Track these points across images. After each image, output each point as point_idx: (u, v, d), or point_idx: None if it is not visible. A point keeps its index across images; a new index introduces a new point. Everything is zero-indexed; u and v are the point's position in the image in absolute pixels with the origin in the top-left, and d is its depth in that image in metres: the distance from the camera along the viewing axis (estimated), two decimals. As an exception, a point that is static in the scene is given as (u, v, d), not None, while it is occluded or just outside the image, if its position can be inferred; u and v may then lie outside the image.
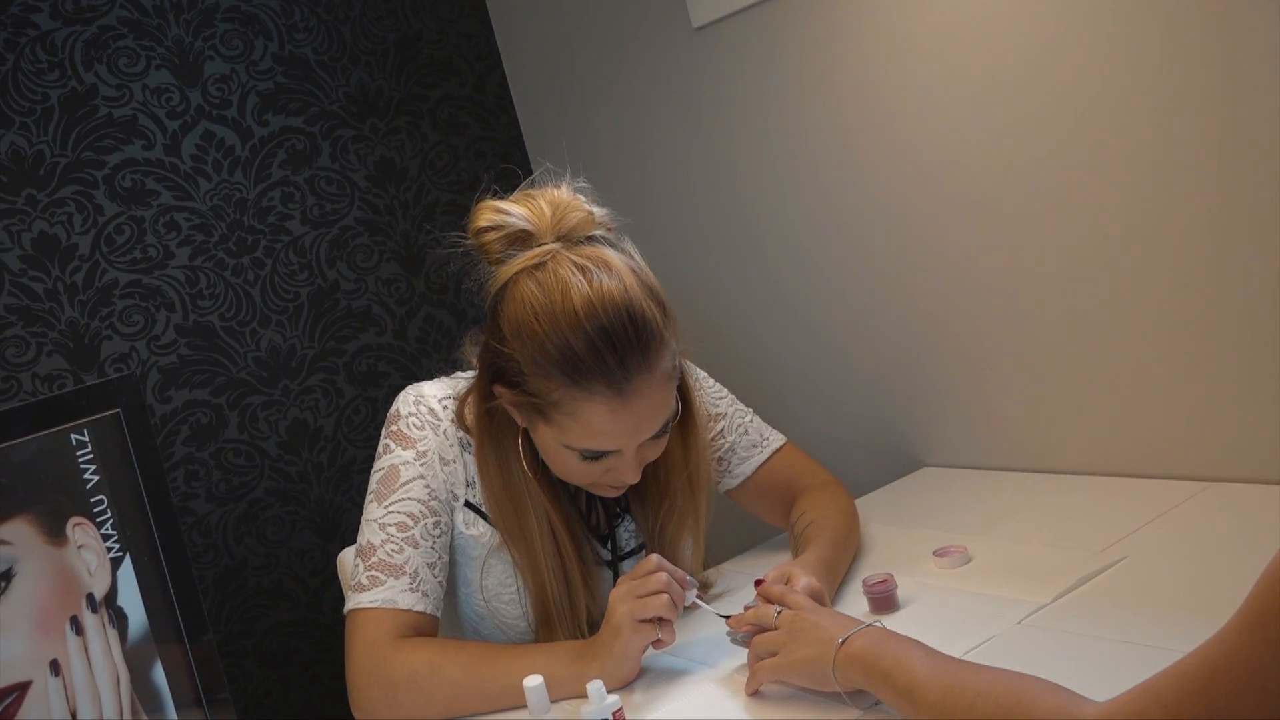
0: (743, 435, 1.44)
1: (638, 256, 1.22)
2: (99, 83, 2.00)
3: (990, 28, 1.44)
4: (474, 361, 1.31)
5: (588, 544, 1.32)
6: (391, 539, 1.24)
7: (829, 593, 1.19)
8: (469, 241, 1.23)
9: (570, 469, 1.23)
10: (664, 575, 1.12)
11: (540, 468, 1.28)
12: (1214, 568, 1.11)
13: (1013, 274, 1.51)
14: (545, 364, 1.15)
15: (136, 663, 0.97)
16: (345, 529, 2.21)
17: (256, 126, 2.15)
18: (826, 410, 1.87)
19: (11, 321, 1.92)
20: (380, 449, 1.30)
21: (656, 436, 1.22)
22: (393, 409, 1.32)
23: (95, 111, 2.00)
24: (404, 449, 1.28)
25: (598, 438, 1.18)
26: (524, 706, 1.07)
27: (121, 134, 2.02)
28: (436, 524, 1.27)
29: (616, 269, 1.17)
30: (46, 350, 1.95)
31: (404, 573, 1.22)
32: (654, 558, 1.14)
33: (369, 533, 1.25)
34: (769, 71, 1.77)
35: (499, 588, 1.30)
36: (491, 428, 1.27)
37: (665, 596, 1.11)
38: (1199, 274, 1.30)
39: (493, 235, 1.20)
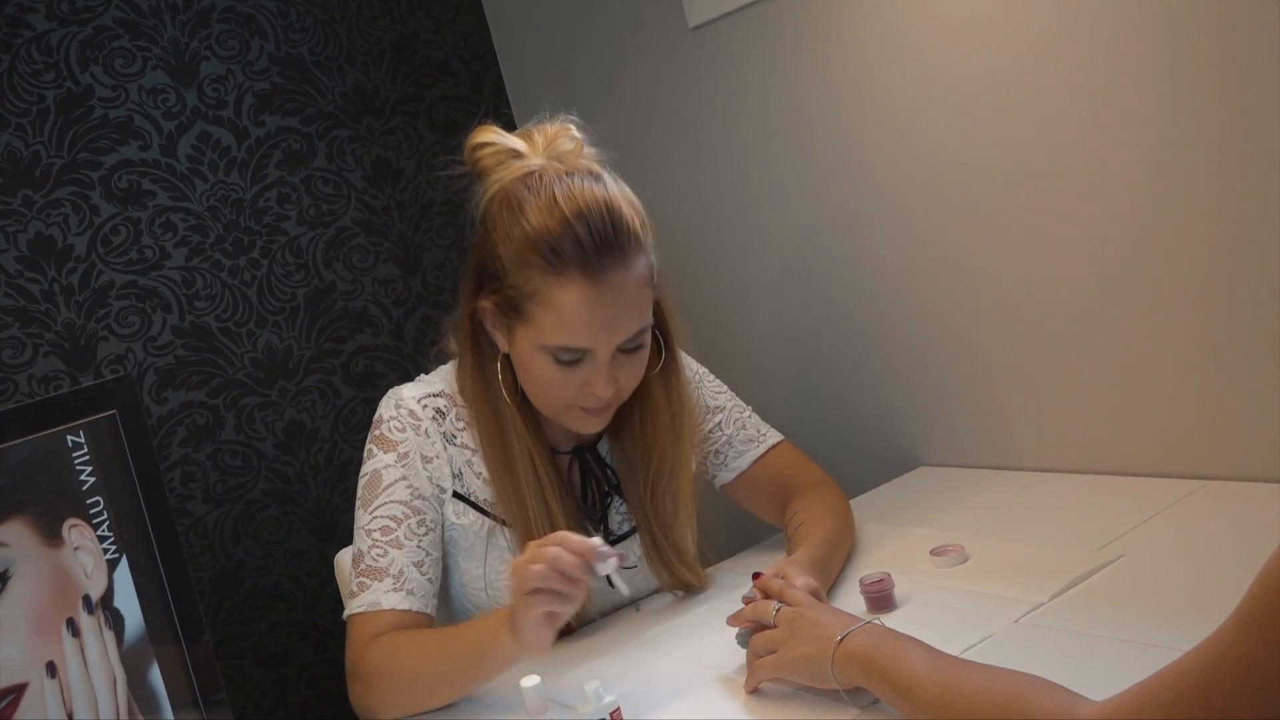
0: (740, 429, 1.45)
1: (623, 185, 1.28)
2: (95, 83, 2.00)
3: (990, 24, 1.44)
4: (453, 347, 1.36)
5: (580, 528, 1.32)
6: (376, 544, 1.27)
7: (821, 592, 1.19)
8: (463, 165, 1.30)
9: (547, 382, 1.25)
10: (552, 550, 1.06)
11: (522, 404, 1.30)
12: (1211, 566, 1.11)
13: (1010, 273, 1.51)
14: (524, 251, 1.20)
15: (133, 664, 0.97)
16: (342, 530, 2.21)
17: (253, 127, 2.14)
18: (823, 409, 1.86)
19: (8, 323, 1.92)
20: (365, 454, 1.34)
21: (632, 352, 1.24)
22: (376, 414, 1.35)
23: (91, 112, 2.00)
24: (385, 452, 1.31)
25: (572, 329, 1.20)
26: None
27: (117, 135, 2.02)
28: (421, 523, 1.29)
29: (604, 179, 1.25)
30: (43, 351, 1.95)
31: (387, 574, 1.25)
32: (560, 533, 1.09)
33: (358, 541, 1.30)
34: (765, 70, 1.77)
35: (494, 576, 1.32)
36: (477, 353, 1.32)
37: (541, 568, 1.04)
38: (1197, 272, 1.30)
39: (487, 150, 1.27)
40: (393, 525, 1.27)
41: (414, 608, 1.25)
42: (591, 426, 1.29)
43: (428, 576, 1.28)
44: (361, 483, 1.32)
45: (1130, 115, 1.31)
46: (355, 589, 1.27)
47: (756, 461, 1.45)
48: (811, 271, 1.81)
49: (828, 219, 1.75)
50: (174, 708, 0.97)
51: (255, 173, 2.14)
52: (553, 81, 2.28)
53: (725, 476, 1.46)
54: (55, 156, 1.97)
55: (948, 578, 1.24)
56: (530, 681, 1.02)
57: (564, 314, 1.19)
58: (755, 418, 1.48)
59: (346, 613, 1.28)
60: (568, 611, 1.09)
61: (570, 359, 1.22)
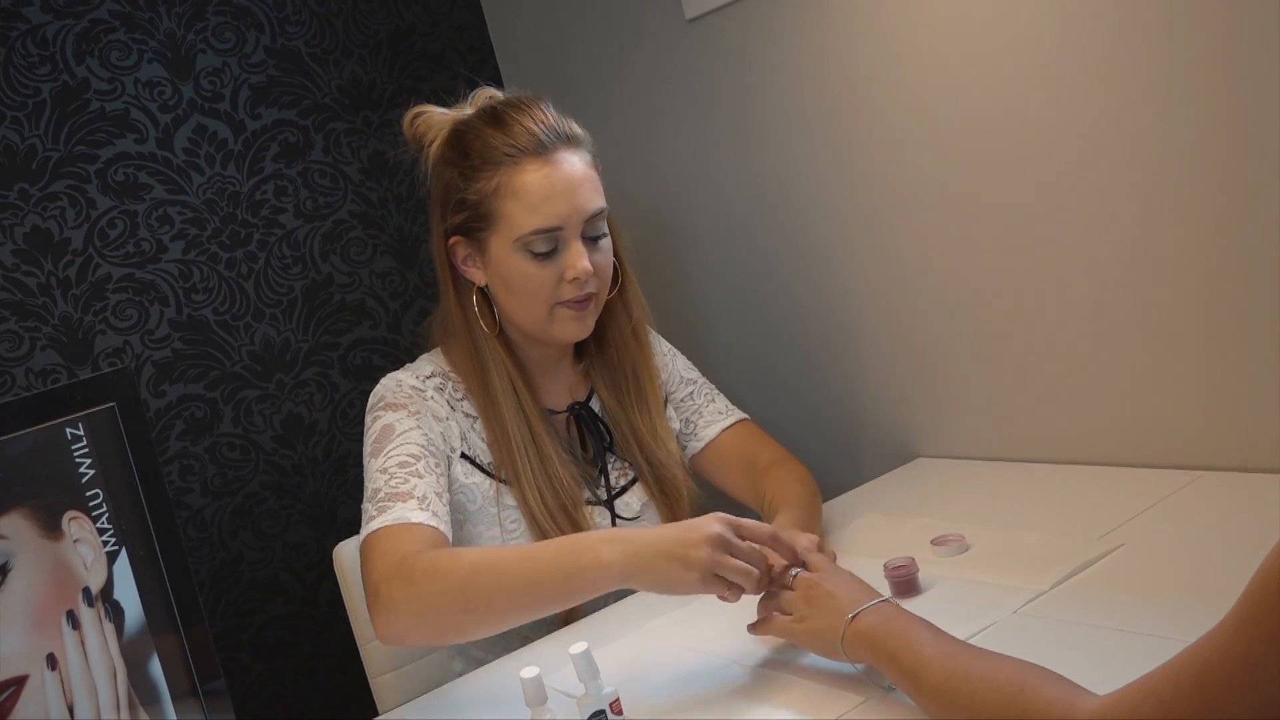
0: (710, 402, 1.55)
1: None
2: (91, 76, 2.00)
3: (986, 16, 1.44)
4: (435, 335, 1.45)
5: (577, 485, 1.37)
6: (395, 476, 1.25)
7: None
8: (409, 146, 1.45)
9: (528, 281, 1.32)
10: (761, 561, 1.06)
11: (507, 351, 1.37)
12: (1210, 555, 1.11)
13: (1008, 265, 1.51)
14: (482, 155, 1.32)
15: (133, 656, 0.97)
16: (341, 522, 2.21)
17: (249, 120, 2.14)
18: (822, 402, 1.86)
19: (5, 316, 1.92)
20: (369, 423, 1.34)
21: (596, 240, 1.34)
22: (375, 396, 1.37)
23: (87, 105, 1.99)
24: (395, 411, 1.32)
25: (540, 208, 1.29)
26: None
27: (114, 128, 2.01)
28: (437, 464, 1.29)
29: (536, 97, 1.39)
30: (40, 345, 1.94)
31: (412, 496, 1.22)
32: (774, 531, 1.09)
33: (372, 481, 1.26)
34: (762, 63, 1.77)
35: (508, 537, 1.35)
36: (457, 286, 1.39)
37: (753, 572, 1.04)
38: (1195, 263, 1.30)
39: (423, 116, 1.43)
40: (411, 460, 1.26)
41: (440, 528, 1.20)
42: (578, 328, 1.36)
43: (446, 508, 1.25)
44: (370, 439, 1.30)
45: (1128, 107, 1.31)
46: (374, 512, 1.21)
47: (724, 431, 1.52)
48: (809, 263, 1.81)
49: (827, 209, 1.75)
50: (174, 698, 0.97)
51: (252, 165, 2.14)
52: (549, 74, 2.27)
53: (695, 446, 1.53)
54: (52, 150, 1.96)
55: (948, 567, 1.24)
56: (530, 673, 1.02)
57: (529, 195, 1.30)
58: (724, 397, 1.57)
59: (366, 531, 1.20)
60: (734, 599, 1.06)
61: (545, 249, 1.31)
